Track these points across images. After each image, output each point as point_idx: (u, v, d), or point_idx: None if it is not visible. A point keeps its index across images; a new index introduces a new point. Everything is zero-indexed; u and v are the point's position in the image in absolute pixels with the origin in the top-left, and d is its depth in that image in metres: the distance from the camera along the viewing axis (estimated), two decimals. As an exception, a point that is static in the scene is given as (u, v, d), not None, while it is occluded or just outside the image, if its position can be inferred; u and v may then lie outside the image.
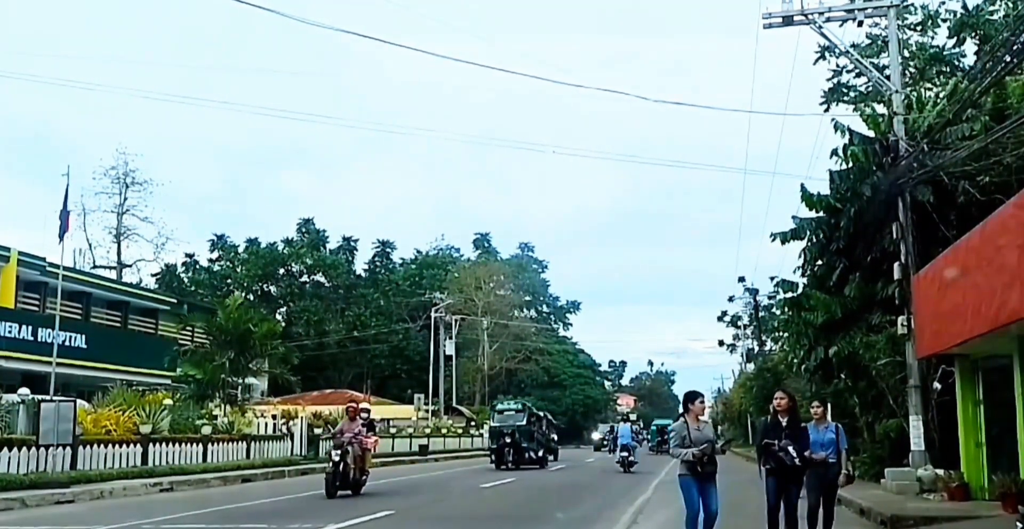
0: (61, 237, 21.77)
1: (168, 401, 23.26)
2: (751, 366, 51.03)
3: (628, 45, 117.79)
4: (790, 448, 8.35)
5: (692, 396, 8.57)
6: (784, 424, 8.56)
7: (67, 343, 28.12)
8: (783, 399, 8.73)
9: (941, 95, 16.64)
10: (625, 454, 25.30)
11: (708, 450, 8.25)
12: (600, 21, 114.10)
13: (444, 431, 43.34)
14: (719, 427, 52.96)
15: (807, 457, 8.48)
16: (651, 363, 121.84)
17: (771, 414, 8.88)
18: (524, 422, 28.19)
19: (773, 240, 19.20)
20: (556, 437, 48.29)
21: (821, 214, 18.37)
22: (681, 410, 8.71)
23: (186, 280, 62.15)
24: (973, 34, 21.13)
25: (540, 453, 28.89)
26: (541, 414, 33.10)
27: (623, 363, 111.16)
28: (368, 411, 18.86)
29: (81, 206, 47.66)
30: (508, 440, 26.96)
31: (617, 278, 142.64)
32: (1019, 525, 8.41)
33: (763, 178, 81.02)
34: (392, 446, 36.11)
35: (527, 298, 73.10)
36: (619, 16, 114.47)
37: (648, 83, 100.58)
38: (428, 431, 41.30)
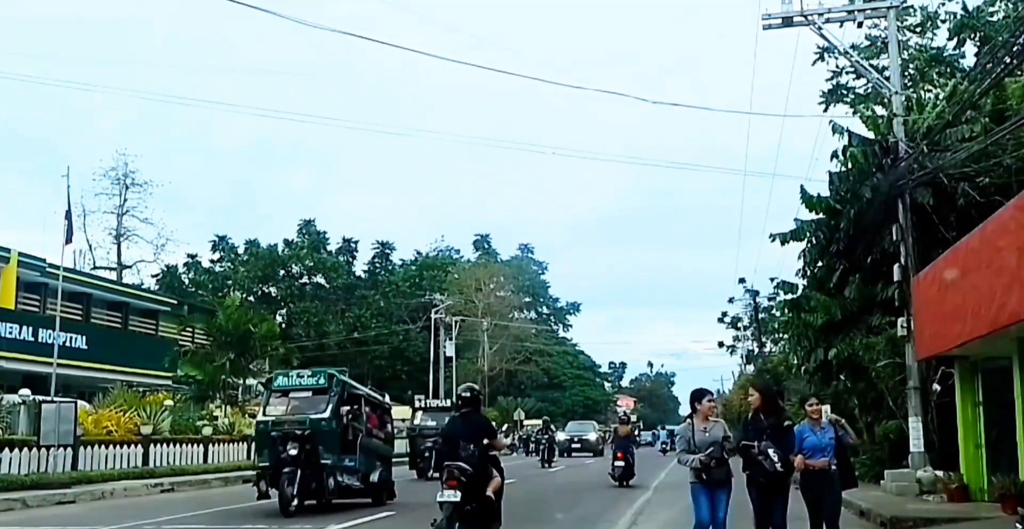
0: (69, 239, 21.97)
1: (169, 402, 23.33)
2: (751, 367, 51.05)
3: (627, 46, 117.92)
4: (771, 451, 7.41)
5: (699, 394, 7.88)
6: (766, 424, 7.64)
7: (68, 344, 28.16)
8: (752, 396, 7.91)
9: (941, 97, 16.63)
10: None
11: (716, 453, 7.48)
12: (599, 22, 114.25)
13: (444, 432, 43.33)
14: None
15: (791, 462, 7.58)
16: (651, 364, 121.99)
17: (751, 413, 7.97)
18: (328, 414, 13.77)
19: (773, 241, 19.23)
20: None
21: (821, 216, 18.38)
22: (688, 411, 8.02)
23: (186, 281, 62.16)
24: (973, 35, 21.13)
25: (375, 476, 14.55)
26: (375, 395, 17.02)
27: (623, 364, 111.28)
28: None
29: (81, 207, 47.54)
30: (293, 451, 13.00)
31: (617, 279, 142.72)
32: (1018, 526, 8.46)
33: (763, 179, 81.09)
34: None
35: (527, 299, 73.15)
36: (618, 17, 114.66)
37: (647, 84, 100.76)
38: (428, 432, 41.26)
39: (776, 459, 7.40)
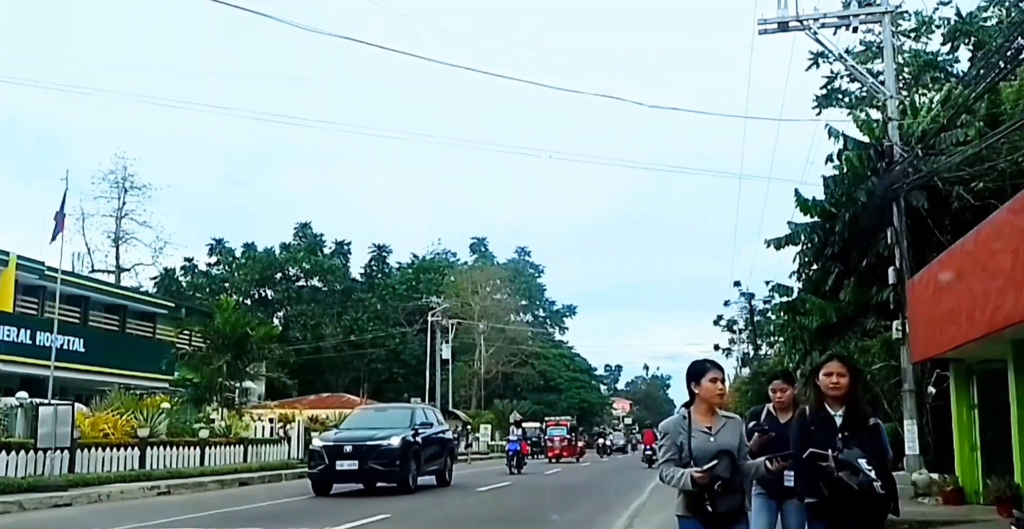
0: (54, 238, 21.88)
1: (166, 405, 23.29)
2: (746, 370, 51.10)
3: (624, 50, 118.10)
4: (861, 461, 4.53)
5: (698, 370, 4.61)
6: (841, 421, 4.75)
7: (65, 347, 28.10)
8: (843, 376, 4.79)
9: (935, 101, 16.72)
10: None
11: (723, 472, 4.29)
12: (596, 27, 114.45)
13: (441, 435, 43.25)
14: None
15: (893, 480, 4.84)
16: (647, 367, 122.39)
17: (811, 403, 5.01)
18: None
19: (768, 247, 19.23)
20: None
21: (816, 219, 18.43)
22: (687, 398, 4.68)
23: (184, 284, 62.15)
24: (967, 40, 21.22)
25: None
26: None
27: (619, 367, 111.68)
28: None
29: (80, 210, 47.68)
30: None
31: (613, 282, 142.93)
32: None
33: (758, 183, 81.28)
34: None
35: (523, 302, 73.20)
36: (615, 22, 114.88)
37: (644, 88, 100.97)
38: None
39: (874, 476, 4.54)
